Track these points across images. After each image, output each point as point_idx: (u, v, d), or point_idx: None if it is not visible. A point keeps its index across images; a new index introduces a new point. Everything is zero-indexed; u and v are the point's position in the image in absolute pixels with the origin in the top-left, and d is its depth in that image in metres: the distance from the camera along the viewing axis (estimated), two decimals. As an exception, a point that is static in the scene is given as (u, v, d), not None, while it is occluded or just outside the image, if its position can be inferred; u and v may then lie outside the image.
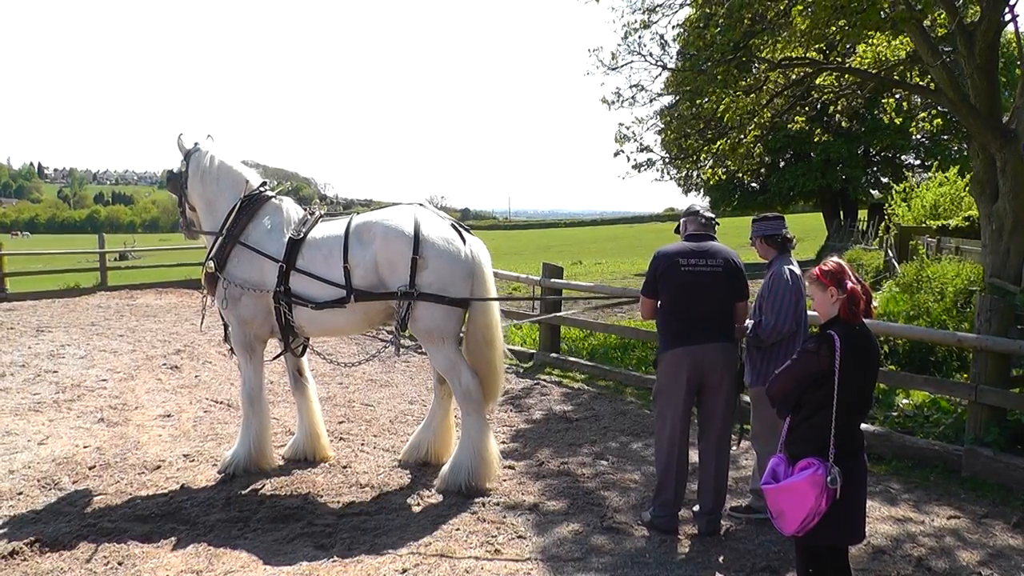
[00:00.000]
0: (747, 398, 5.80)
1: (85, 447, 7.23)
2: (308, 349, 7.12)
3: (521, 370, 10.85)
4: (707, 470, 5.39)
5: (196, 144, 6.98)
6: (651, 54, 14.32)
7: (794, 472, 3.74)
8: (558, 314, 11.09)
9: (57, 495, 6.12)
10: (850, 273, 3.80)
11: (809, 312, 5.42)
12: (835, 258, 3.96)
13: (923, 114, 15.75)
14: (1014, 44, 23.91)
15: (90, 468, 6.70)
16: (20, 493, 6.12)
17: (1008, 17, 9.99)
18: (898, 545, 5.27)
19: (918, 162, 39.58)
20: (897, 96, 15.67)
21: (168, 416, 8.37)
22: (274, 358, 6.96)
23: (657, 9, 13.35)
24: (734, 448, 5.91)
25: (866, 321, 3.86)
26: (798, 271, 5.44)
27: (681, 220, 5.62)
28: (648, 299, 5.50)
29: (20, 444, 7.26)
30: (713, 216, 5.56)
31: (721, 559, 5.03)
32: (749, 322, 5.48)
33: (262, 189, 6.80)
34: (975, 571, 4.90)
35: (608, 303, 11.37)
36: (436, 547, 5.16)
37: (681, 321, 5.28)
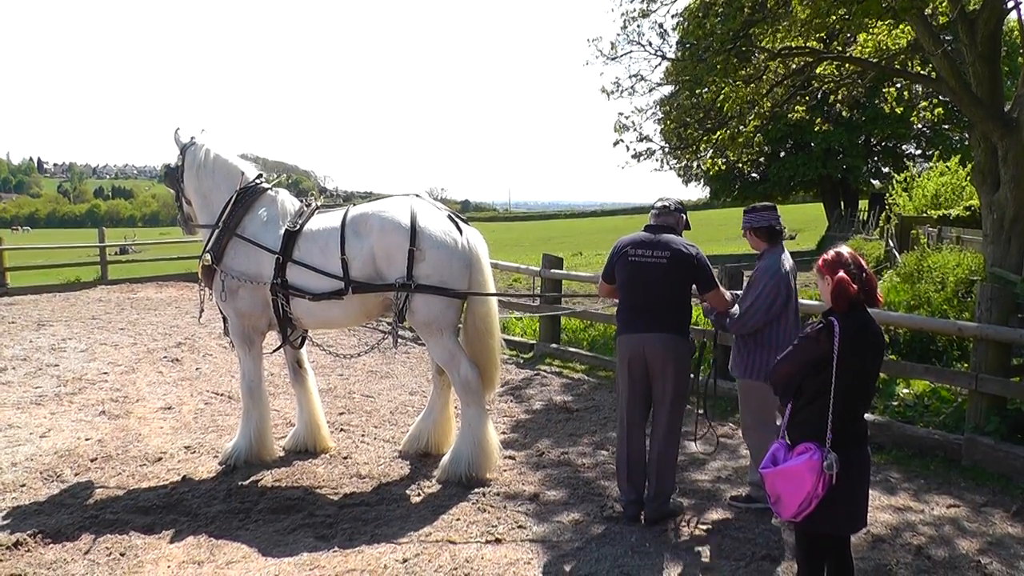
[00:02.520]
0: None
1: (87, 440, 7.25)
2: (307, 341, 7.13)
3: (521, 360, 10.86)
4: (652, 457, 5.43)
5: (192, 138, 6.97)
6: (650, 43, 14.27)
7: (792, 457, 3.74)
8: (559, 309, 11.09)
9: (59, 487, 6.13)
10: (850, 261, 3.77)
11: (807, 301, 5.43)
12: (842, 248, 3.91)
13: (924, 103, 15.71)
14: (1016, 32, 23.81)
15: (92, 460, 6.72)
16: (23, 485, 6.14)
17: (1011, 5, 9.96)
18: (898, 534, 5.28)
19: (919, 151, 39.48)
20: (898, 85, 15.63)
21: (169, 408, 8.39)
22: (273, 351, 6.97)
23: (656, -2, 13.32)
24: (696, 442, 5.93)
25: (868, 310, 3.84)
26: (789, 264, 5.41)
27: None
28: (604, 283, 5.71)
29: (22, 437, 7.28)
30: (667, 204, 5.58)
31: (721, 548, 5.04)
32: (735, 309, 5.49)
33: (258, 181, 6.79)
34: (974, 560, 4.91)
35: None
36: (437, 537, 5.18)
37: (627, 309, 5.45)
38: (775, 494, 3.80)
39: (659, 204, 5.60)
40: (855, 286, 3.67)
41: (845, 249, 3.88)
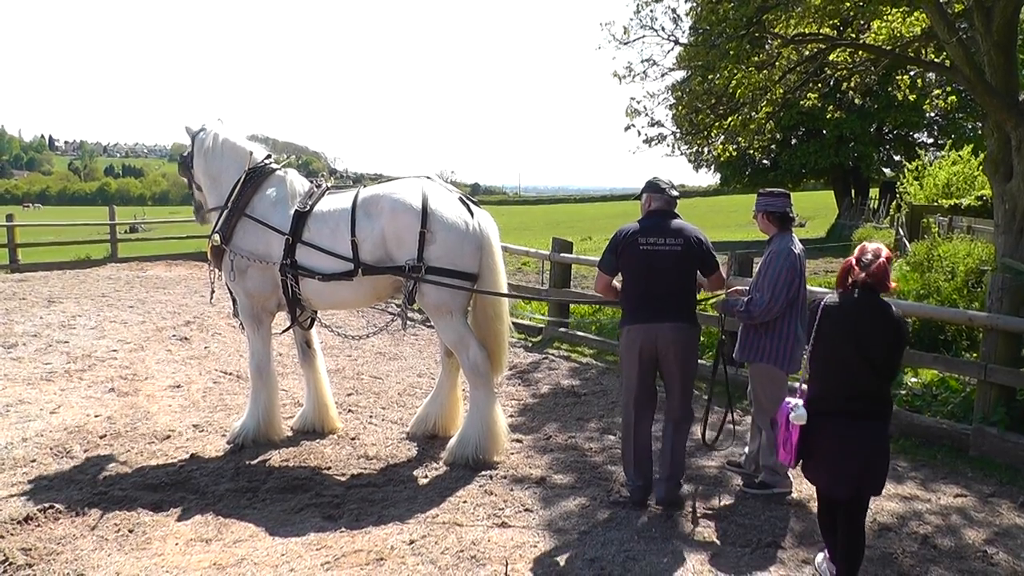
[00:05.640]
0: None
1: (96, 416, 7.29)
2: (316, 322, 7.14)
3: (529, 344, 10.87)
4: (666, 443, 5.43)
5: (202, 126, 6.99)
6: (663, 28, 14.10)
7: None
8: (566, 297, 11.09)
9: (69, 463, 6.18)
10: (868, 250, 4.15)
11: (817, 288, 5.44)
12: (870, 244, 4.26)
13: (938, 91, 15.59)
14: (1032, 21, 23.53)
15: (101, 437, 6.76)
16: (33, 460, 6.19)
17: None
18: (904, 523, 5.28)
19: (931, 140, 39.24)
20: (911, 73, 15.52)
21: (178, 387, 8.42)
22: (282, 332, 6.99)
23: (670, -17, 13.24)
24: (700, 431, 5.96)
25: None
26: (798, 249, 5.43)
27: (644, 194, 5.52)
28: (603, 275, 5.55)
29: (33, 413, 7.32)
30: (678, 194, 5.50)
31: (727, 534, 5.05)
32: (743, 298, 5.49)
33: (266, 162, 6.79)
34: (981, 550, 4.91)
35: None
36: (443, 519, 5.20)
37: (637, 299, 5.32)
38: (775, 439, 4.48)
39: (671, 194, 5.44)
40: (857, 269, 4.09)
41: (872, 244, 4.24)
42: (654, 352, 5.28)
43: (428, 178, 6.49)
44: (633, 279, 5.36)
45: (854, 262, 4.11)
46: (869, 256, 4.09)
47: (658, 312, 5.23)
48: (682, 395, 5.37)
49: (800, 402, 4.15)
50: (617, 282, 5.59)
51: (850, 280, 4.11)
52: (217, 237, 6.54)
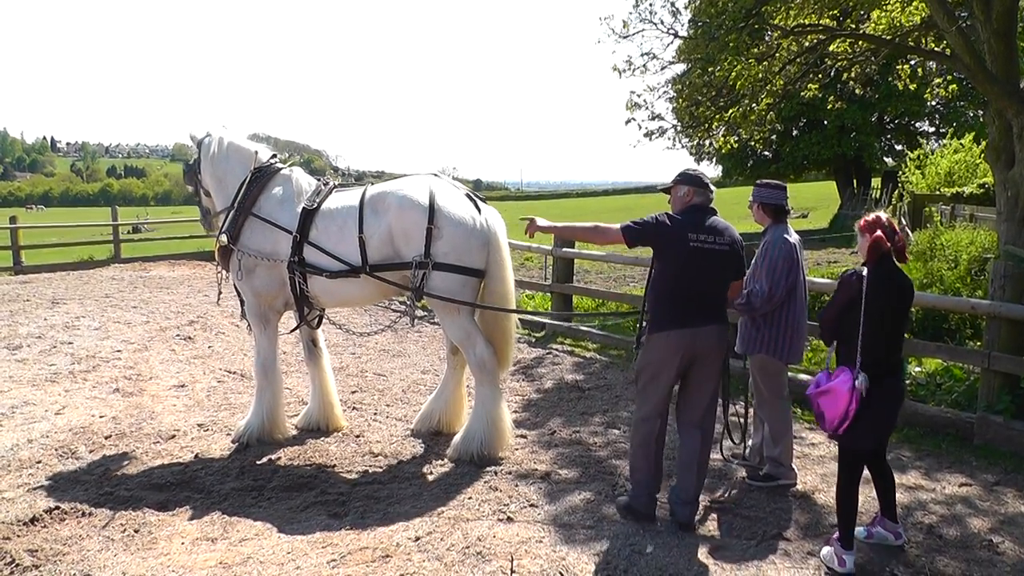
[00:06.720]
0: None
1: (101, 417, 7.30)
2: (323, 321, 7.14)
3: (533, 339, 10.87)
4: (690, 458, 5.02)
5: (207, 132, 7.02)
6: (662, 22, 14.03)
7: (832, 380, 4.50)
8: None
9: (74, 464, 6.19)
10: (886, 224, 4.52)
11: (812, 279, 5.46)
12: (881, 212, 4.68)
13: (938, 80, 15.53)
14: (1032, 8, 23.45)
15: (106, 437, 6.78)
16: (39, 462, 6.20)
17: (1027, -20, 9.81)
18: (909, 513, 5.28)
19: (933, 129, 39.14)
20: (912, 62, 15.45)
21: (182, 386, 8.43)
22: (290, 331, 7.00)
23: (668, -24, 13.21)
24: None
25: None
26: (794, 239, 5.44)
27: (683, 186, 5.08)
28: (622, 238, 4.99)
29: (38, 414, 7.34)
30: (711, 185, 5.13)
31: (732, 526, 5.05)
32: (743, 291, 5.45)
33: (272, 161, 6.80)
34: (986, 539, 4.91)
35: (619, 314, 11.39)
36: (449, 515, 5.20)
37: (683, 300, 4.88)
38: (818, 412, 4.58)
39: (712, 191, 5.07)
40: (888, 244, 4.46)
41: (883, 214, 4.64)
42: (693, 357, 4.89)
43: (435, 175, 6.50)
44: (678, 279, 4.90)
45: (883, 236, 4.45)
46: (888, 226, 4.51)
47: (700, 314, 4.86)
48: (711, 401, 5.05)
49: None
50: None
51: (882, 253, 4.46)
52: (224, 237, 6.55)
